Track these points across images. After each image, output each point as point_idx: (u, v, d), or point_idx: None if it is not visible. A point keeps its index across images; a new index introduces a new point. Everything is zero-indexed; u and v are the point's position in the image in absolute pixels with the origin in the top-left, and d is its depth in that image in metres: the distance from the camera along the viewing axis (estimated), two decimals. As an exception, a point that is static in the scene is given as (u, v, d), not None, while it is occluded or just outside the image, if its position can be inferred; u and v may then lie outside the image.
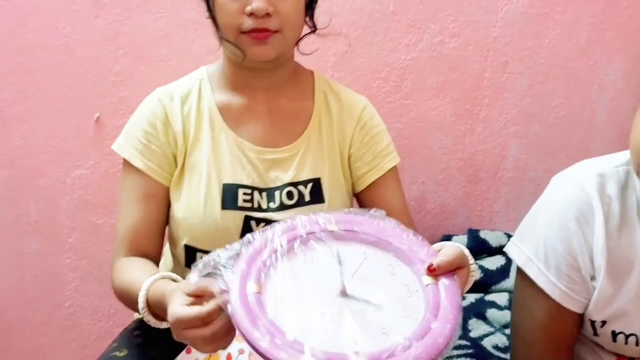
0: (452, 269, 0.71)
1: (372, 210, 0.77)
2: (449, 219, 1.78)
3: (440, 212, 1.77)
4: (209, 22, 0.99)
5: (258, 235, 0.72)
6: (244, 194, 0.97)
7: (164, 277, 0.83)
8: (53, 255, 1.65)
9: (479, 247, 1.68)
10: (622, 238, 0.84)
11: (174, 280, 0.83)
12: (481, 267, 1.63)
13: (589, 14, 1.65)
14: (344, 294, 0.67)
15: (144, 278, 0.83)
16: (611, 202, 0.84)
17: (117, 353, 0.96)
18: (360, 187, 1.04)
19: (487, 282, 1.61)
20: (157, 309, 0.80)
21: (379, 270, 0.72)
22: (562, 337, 0.90)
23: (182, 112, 0.99)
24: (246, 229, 0.97)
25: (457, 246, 0.76)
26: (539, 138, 1.72)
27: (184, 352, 0.88)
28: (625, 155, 0.88)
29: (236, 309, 0.64)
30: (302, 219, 0.74)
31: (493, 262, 1.63)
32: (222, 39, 0.97)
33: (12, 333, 1.70)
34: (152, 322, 0.83)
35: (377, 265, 0.72)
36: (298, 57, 1.09)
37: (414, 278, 0.71)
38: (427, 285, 0.70)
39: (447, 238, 1.73)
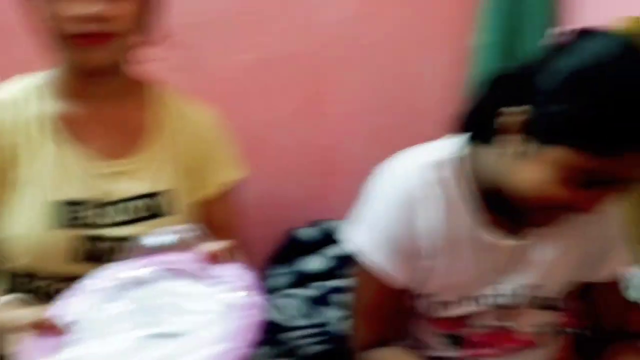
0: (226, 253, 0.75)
1: (185, 230, 0.78)
2: (295, 213, 1.82)
3: (286, 207, 1.81)
4: (35, 25, 0.92)
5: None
6: (83, 209, 0.93)
7: None
8: None
9: (325, 237, 1.75)
10: (450, 220, 0.91)
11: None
12: (327, 256, 1.70)
13: (416, 10, 1.77)
14: (144, 337, 0.68)
15: None
16: (438, 187, 0.91)
17: None
18: (203, 198, 1.03)
19: (332, 270, 1.67)
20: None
21: (177, 301, 0.73)
22: (395, 315, 0.97)
23: (13, 122, 0.93)
24: (86, 247, 0.91)
25: None
26: (377, 130, 1.81)
27: None
28: (449, 143, 0.95)
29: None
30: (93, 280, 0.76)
31: (338, 251, 1.69)
32: (52, 43, 0.91)
33: None
34: None
35: (175, 295, 0.74)
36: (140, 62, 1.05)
37: (212, 300, 0.73)
38: (226, 305, 0.71)
39: (294, 232, 1.78)
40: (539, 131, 0.80)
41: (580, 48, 0.78)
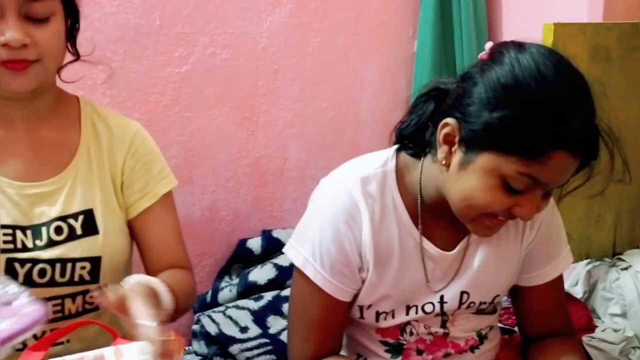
0: None
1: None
2: (243, 223, 1.83)
3: (234, 218, 1.82)
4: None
5: None
6: (4, 234, 0.91)
7: None
8: None
9: (273, 246, 1.75)
10: (383, 232, 0.92)
11: None
12: (276, 265, 1.72)
13: (344, 22, 1.82)
14: None
15: None
16: (374, 202, 0.92)
17: None
18: (132, 214, 1.01)
19: (281, 279, 1.69)
20: None
21: None
22: (334, 327, 0.97)
23: None
24: (9, 272, 0.90)
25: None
26: (314, 138, 1.85)
27: None
28: (382, 156, 0.95)
29: None
30: None
31: (286, 259, 1.70)
32: None
33: None
34: None
35: None
36: (63, 77, 1.03)
37: None
38: None
39: (243, 242, 1.80)
40: (468, 140, 0.82)
41: (507, 58, 0.81)
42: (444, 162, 0.85)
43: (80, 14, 0.96)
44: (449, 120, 0.84)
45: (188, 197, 1.71)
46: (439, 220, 0.93)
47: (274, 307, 1.61)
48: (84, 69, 1.51)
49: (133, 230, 1.02)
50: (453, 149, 0.84)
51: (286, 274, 1.69)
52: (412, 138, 0.93)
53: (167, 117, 1.65)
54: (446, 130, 0.84)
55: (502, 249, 0.97)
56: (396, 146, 0.96)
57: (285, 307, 1.60)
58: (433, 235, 0.95)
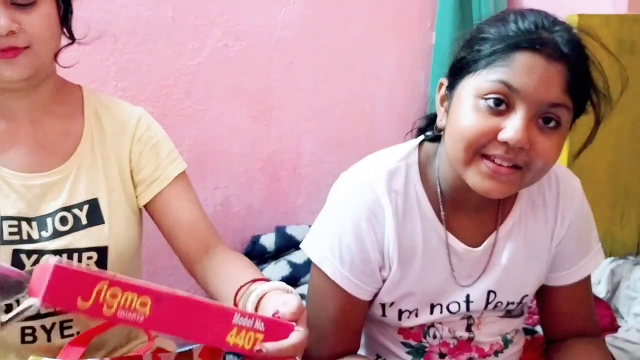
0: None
1: None
2: (256, 220, 1.80)
3: (247, 214, 1.79)
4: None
5: None
6: (10, 226, 0.90)
7: None
8: None
9: (287, 243, 1.74)
10: (407, 227, 0.90)
11: None
12: (290, 262, 1.69)
13: (361, 12, 1.77)
14: None
15: None
16: (397, 197, 0.89)
17: None
18: (146, 199, 1.00)
19: (296, 276, 1.66)
20: None
21: None
22: (353, 326, 0.95)
23: None
24: (16, 263, 0.89)
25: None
26: (329, 132, 1.81)
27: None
28: (404, 148, 0.93)
29: None
30: None
31: (301, 256, 1.69)
32: None
33: None
34: None
35: None
36: (75, 72, 1.02)
37: None
38: None
39: (256, 239, 1.76)
40: (449, 83, 0.85)
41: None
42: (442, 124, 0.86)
43: None
44: (442, 79, 0.86)
45: (200, 192, 1.66)
46: (463, 213, 0.91)
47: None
48: (96, 62, 1.50)
49: (153, 217, 1.01)
50: (444, 106, 0.85)
51: (300, 271, 1.67)
52: (430, 127, 0.92)
53: (180, 111, 1.62)
54: (441, 91, 0.86)
55: (531, 245, 0.94)
56: (419, 138, 0.93)
57: (299, 305, 1.57)
58: (458, 230, 0.92)
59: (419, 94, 1.88)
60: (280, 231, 1.77)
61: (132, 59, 1.52)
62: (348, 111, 1.83)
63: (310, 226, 1.80)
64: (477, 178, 0.81)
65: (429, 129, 0.93)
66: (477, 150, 0.80)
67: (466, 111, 0.80)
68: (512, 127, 0.77)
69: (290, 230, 1.77)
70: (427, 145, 0.93)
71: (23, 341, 0.92)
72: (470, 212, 0.90)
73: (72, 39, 0.97)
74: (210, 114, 1.66)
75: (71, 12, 0.95)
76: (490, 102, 0.78)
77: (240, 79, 1.67)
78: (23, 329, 0.91)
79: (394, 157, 0.92)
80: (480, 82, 0.79)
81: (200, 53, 1.61)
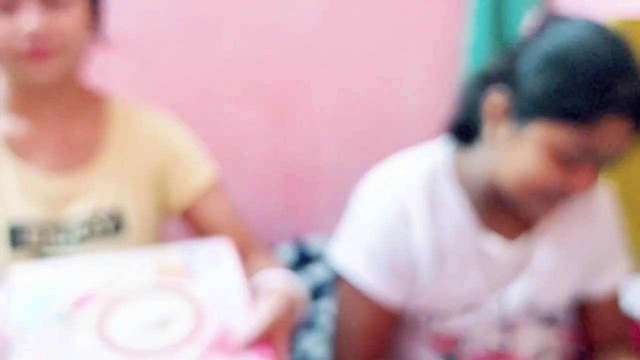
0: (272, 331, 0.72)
1: None
2: (274, 229, 1.75)
3: (264, 222, 1.73)
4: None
5: None
6: (36, 230, 0.91)
7: None
8: None
9: (307, 254, 1.67)
10: (438, 230, 0.89)
11: None
12: (310, 274, 1.61)
13: (387, 9, 1.71)
14: None
15: None
16: (427, 199, 0.89)
17: None
18: (179, 208, 1.00)
19: (316, 290, 1.58)
20: None
21: None
22: (382, 337, 0.93)
23: None
24: None
25: (279, 294, 0.77)
26: (352, 137, 1.76)
27: None
28: (433, 150, 0.93)
29: None
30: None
31: (322, 268, 1.62)
32: None
33: None
34: None
35: None
36: (88, 74, 1.00)
37: None
38: None
39: (273, 249, 1.69)
40: (518, 112, 0.82)
41: (554, 30, 0.83)
42: (496, 139, 0.85)
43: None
44: (495, 93, 0.84)
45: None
46: (497, 215, 0.91)
47: (305, 320, 1.51)
48: (109, 64, 1.46)
49: (190, 224, 1.02)
50: (500, 123, 0.84)
51: (321, 284, 1.59)
52: (463, 128, 0.91)
53: (195, 113, 1.58)
54: (492, 104, 0.85)
55: (569, 248, 0.92)
56: (448, 139, 0.92)
57: (320, 320, 1.49)
58: (492, 233, 0.91)
59: (449, 96, 1.81)
60: (298, 241, 1.70)
61: (148, 60, 1.52)
62: (372, 114, 1.77)
63: (331, 235, 1.74)
64: (533, 211, 0.86)
65: (461, 131, 0.91)
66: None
67: (537, 158, 0.81)
68: (584, 177, 0.81)
69: (311, 240, 1.70)
70: (458, 146, 0.91)
71: None
72: (504, 214, 0.90)
73: (103, 43, 0.97)
74: (226, 116, 1.63)
75: (100, 16, 0.95)
76: (565, 158, 0.80)
77: (259, 79, 1.64)
78: None
79: (423, 159, 0.92)
80: (560, 137, 0.79)
81: (217, 53, 1.58)
